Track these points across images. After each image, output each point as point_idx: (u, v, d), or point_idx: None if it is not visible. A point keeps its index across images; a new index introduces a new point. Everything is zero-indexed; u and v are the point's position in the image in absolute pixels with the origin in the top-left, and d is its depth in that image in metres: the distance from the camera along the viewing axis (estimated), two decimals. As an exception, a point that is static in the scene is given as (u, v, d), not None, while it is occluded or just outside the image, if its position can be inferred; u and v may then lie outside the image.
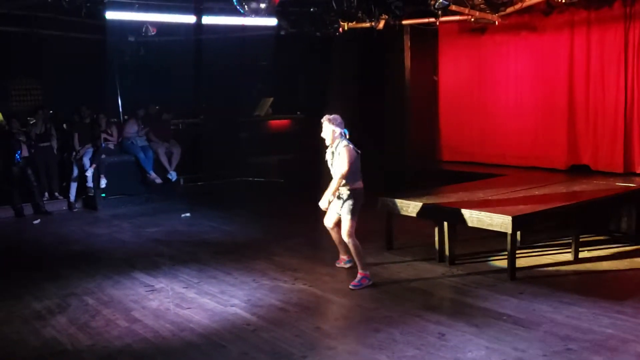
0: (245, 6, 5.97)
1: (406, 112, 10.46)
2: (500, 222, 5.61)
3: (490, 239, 6.65)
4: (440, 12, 7.81)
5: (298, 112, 12.00)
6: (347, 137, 5.44)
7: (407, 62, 10.33)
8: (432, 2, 7.11)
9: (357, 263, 5.53)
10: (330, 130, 5.40)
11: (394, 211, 6.70)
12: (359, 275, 5.48)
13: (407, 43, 10.22)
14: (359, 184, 5.51)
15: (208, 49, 11.29)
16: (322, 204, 5.48)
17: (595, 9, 8.00)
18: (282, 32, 8.46)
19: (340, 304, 5.06)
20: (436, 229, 6.26)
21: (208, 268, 6.16)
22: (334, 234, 5.82)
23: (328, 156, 5.54)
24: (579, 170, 8.33)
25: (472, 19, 8.54)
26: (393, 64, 10.52)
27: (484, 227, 6.29)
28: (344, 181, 5.36)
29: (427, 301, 5.03)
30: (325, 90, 11.36)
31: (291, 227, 7.91)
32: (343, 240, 5.58)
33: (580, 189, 7.25)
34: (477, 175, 8.60)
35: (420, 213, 6.71)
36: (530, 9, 8.38)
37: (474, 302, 4.93)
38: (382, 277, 5.76)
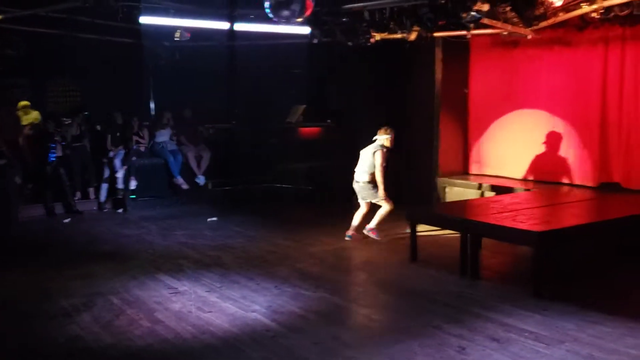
0: (278, 15, 6.03)
1: (436, 124, 10.40)
2: (526, 236, 5.54)
3: (517, 254, 6.60)
4: (472, 25, 7.75)
5: (328, 120, 12.03)
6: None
7: (438, 74, 10.26)
8: (464, 15, 7.05)
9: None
10: None
11: (419, 220, 6.67)
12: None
13: (439, 55, 10.16)
14: None
15: (242, 55, 11.44)
16: None
17: (630, 26, 7.86)
18: (315, 41, 8.49)
19: (361, 314, 5.05)
20: (460, 242, 6.21)
21: (231, 273, 6.21)
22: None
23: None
24: (610, 188, 8.18)
25: (505, 33, 8.48)
26: (424, 76, 10.48)
27: (510, 242, 6.26)
28: None
29: (449, 314, 4.98)
30: (355, 100, 11.38)
31: (316, 235, 7.92)
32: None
33: (611, 206, 7.14)
34: (505, 189, 8.52)
35: (445, 225, 6.70)
36: (564, 23, 8.26)
37: (496, 317, 4.87)
38: (405, 288, 5.73)
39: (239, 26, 9.11)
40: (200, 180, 10.78)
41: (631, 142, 8.03)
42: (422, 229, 7.22)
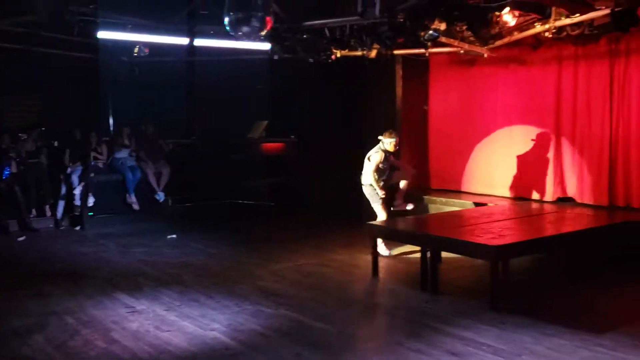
0: (237, 30, 6.03)
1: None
2: (482, 251, 5.62)
3: (476, 268, 6.67)
4: (430, 43, 7.89)
5: (292, 136, 12.06)
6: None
7: (399, 90, 10.39)
8: (422, 34, 7.19)
9: None
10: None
11: (380, 237, 6.71)
12: None
13: (399, 72, 10.30)
14: None
15: (203, 70, 11.40)
16: None
17: (582, 45, 8.13)
18: (275, 57, 8.52)
19: (322, 330, 5.02)
20: (420, 256, 6.26)
21: (191, 291, 6.11)
22: None
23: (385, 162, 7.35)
24: (565, 203, 8.39)
25: (462, 51, 8.66)
26: (385, 92, 10.59)
27: (468, 255, 6.34)
28: None
29: (409, 329, 5.01)
30: (318, 115, 11.44)
31: (278, 251, 7.88)
32: None
33: (566, 220, 7.31)
34: (464, 204, 8.64)
35: (405, 240, 6.76)
36: (518, 42, 8.50)
37: (455, 331, 4.90)
38: (366, 304, 5.74)
39: (199, 42, 9.09)
40: (160, 196, 10.63)
41: (584, 158, 8.25)
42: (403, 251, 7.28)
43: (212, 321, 5.19)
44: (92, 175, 9.82)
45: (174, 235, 8.85)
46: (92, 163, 10.04)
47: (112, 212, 10.05)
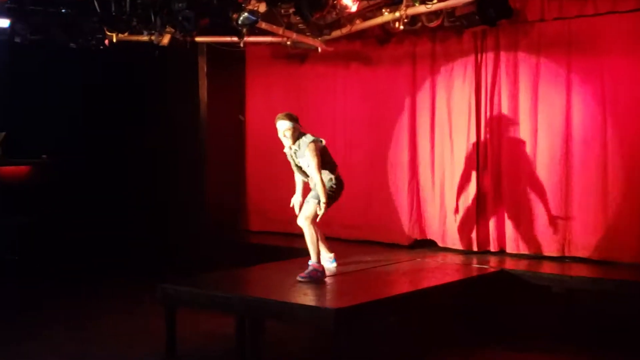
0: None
1: (201, 162, 10.52)
2: (319, 316, 5.82)
3: (314, 338, 6.87)
4: (245, 30, 8.06)
5: (44, 155, 11.61)
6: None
7: (203, 94, 10.44)
8: (235, 16, 7.32)
9: (311, 253, 6.81)
10: (292, 127, 6.80)
11: (179, 303, 6.63)
12: (310, 267, 6.72)
13: (204, 68, 10.39)
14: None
15: None
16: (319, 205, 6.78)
17: (441, 41, 8.80)
18: (18, 40, 8.18)
19: None
20: (235, 327, 6.34)
21: None
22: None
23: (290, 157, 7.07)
24: (425, 246, 8.98)
25: (288, 42, 8.93)
26: (184, 96, 10.58)
27: (299, 324, 6.51)
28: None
29: None
30: (87, 126, 11.11)
31: (23, 327, 7.58)
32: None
33: (425, 271, 7.77)
34: (294, 251, 8.83)
35: (215, 305, 6.73)
36: (362, 35, 9.02)
37: None
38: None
39: None
40: None
41: (447, 188, 8.80)
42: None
43: None
44: None
45: None
46: None
47: None
